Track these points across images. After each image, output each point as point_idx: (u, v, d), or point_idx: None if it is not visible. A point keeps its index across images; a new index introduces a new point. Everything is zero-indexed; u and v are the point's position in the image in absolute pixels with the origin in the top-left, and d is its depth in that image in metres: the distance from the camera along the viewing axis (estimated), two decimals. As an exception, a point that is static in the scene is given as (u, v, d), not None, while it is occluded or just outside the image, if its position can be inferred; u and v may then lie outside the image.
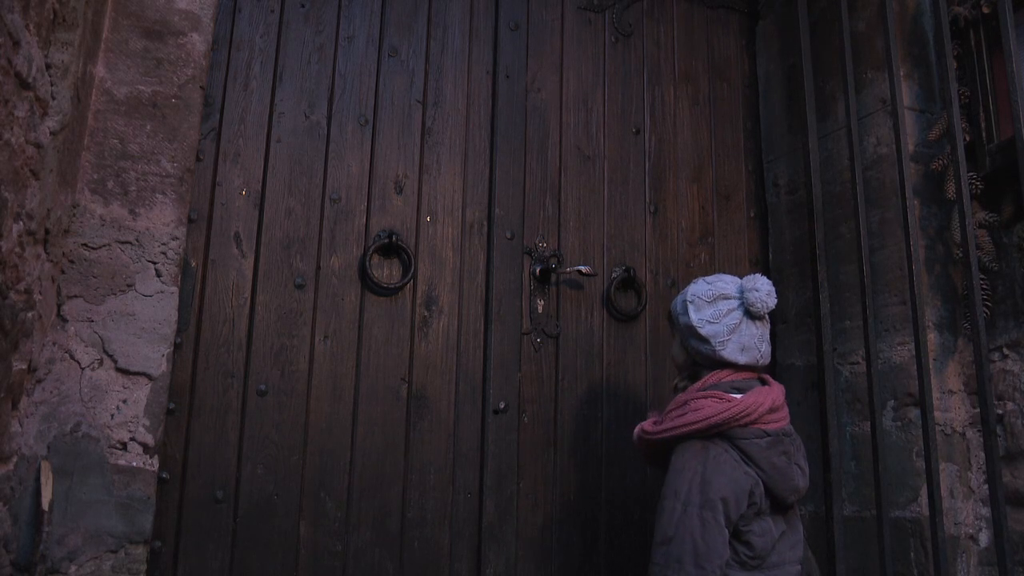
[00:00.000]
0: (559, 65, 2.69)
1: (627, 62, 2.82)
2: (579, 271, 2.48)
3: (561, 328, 2.53)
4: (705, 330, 1.97)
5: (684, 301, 2.04)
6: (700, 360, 2.01)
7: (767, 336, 2.00)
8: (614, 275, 2.62)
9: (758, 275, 2.00)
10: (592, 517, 2.43)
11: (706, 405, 1.89)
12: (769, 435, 1.86)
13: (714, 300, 1.99)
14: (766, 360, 2.00)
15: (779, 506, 1.90)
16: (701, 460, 1.84)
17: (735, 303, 1.98)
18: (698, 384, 1.97)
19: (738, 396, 1.90)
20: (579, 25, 2.77)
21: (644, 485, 2.51)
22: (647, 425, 1.99)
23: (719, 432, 1.87)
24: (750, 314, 1.96)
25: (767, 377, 2.02)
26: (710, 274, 2.20)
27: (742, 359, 1.95)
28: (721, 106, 2.95)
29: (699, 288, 2.03)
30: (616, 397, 2.57)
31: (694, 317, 1.99)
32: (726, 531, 1.78)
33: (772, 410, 1.91)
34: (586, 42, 2.76)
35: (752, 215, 2.93)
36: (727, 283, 2.01)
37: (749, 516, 1.83)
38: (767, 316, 2.00)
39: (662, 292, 2.69)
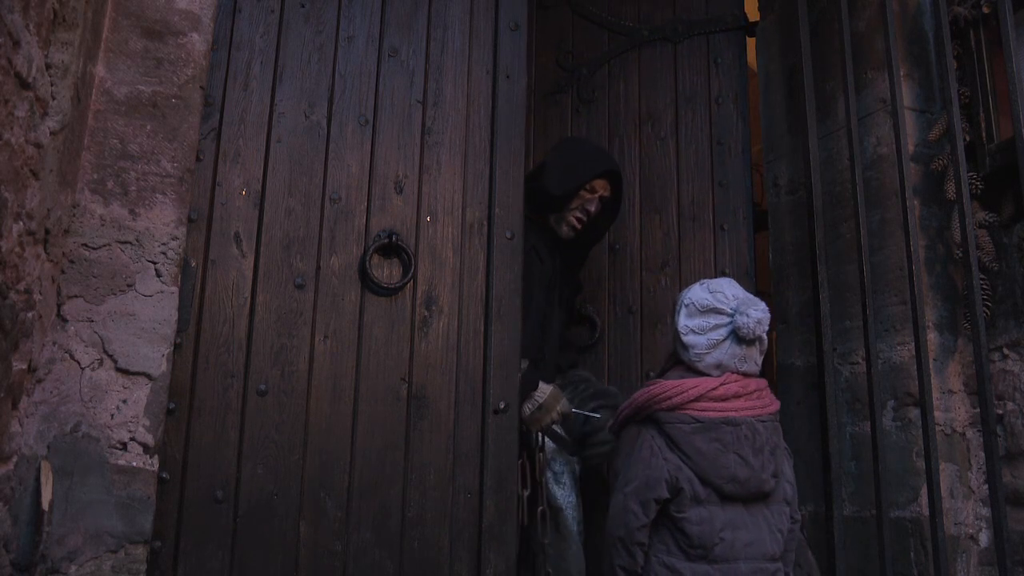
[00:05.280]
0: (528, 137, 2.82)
1: (589, 124, 3.05)
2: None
3: None
4: (687, 338, 2.00)
5: (681, 301, 2.05)
6: (679, 361, 2.04)
7: (754, 357, 2.01)
8: None
9: (756, 300, 2.01)
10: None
11: (638, 392, 2.02)
12: (699, 422, 1.92)
13: (706, 312, 2.00)
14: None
15: (726, 496, 1.91)
16: (630, 445, 1.99)
17: (725, 319, 1.98)
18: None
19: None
20: (545, 104, 3.10)
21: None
22: (610, 422, 2.17)
23: (648, 416, 1.96)
24: (737, 336, 1.97)
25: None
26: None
27: (715, 374, 1.98)
28: (687, 130, 3.03)
29: (698, 294, 2.04)
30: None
31: (681, 322, 2.02)
32: (639, 512, 1.91)
33: (710, 398, 1.94)
34: (552, 119, 3.06)
35: (723, 228, 2.94)
36: (726, 298, 2.00)
37: (683, 502, 1.88)
38: (763, 338, 2.01)
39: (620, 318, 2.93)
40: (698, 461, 1.89)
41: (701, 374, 1.98)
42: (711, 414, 1.93)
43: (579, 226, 2.68)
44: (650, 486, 1.89)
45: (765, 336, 2.00)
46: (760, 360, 2.04)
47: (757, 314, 1.96)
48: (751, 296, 2.03)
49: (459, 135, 2.48)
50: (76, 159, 1.82)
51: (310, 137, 2.30)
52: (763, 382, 2.04)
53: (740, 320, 1.95)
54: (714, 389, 1.94)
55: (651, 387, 1.98)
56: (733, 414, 1.94)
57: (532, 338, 2.51)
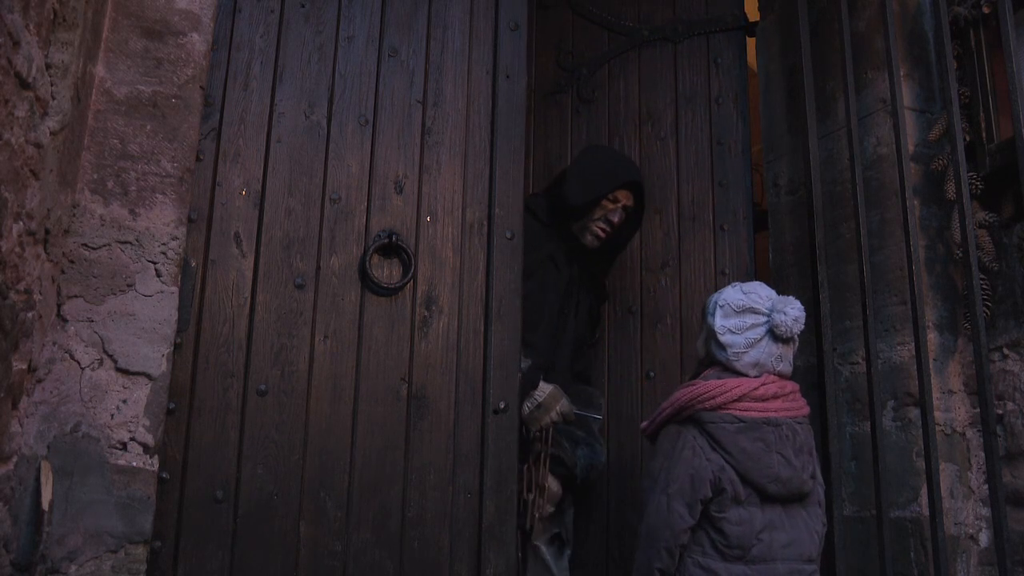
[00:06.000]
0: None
1: (589, 124, 3.07)
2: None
3: None
4: (724, 338, 2.01)
5: (715, 303, 2.07)
6: (715, 362, 2.05)
7: (789, 357, 2.03)
8: None
9: (791, 298, 2.03)
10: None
11: (678, 392, 2.00)
12: (743, 421, 1.92)
13: (742, 311, 2.02)
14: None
15: (767, 497, 1.92)
16: (671, 445, 1.96)
17: (762, 319, 2.00)
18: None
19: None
20: (545, 104, 3.14)
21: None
22: (644, 423, 2.12)
23: (690, 416, 1.95)
24: (774, 334, 1.99)
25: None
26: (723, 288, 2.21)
27: (752, 373, 1.99)
28: (687, 130, 3.05)
29: (731, 295, 2.05)
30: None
31: (718, 323, 2.03)
32: (684, 513, 1.88)
33: (752, 398, 1.94)
34: (552, 119, 3.10)
35: (723, 228, 2.94)
36: (761, 298, 2.03)
37: (724, 503, 1.88)
38: (795, 338, 2.02)
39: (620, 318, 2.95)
40: (742, 461, 1.89)
41: (738, 374, 1.99)
42: (753, 414, 1.93)
43: (603, 235, 2.66)
44: (695, 486, 1.89)
45: (798, 336, 2.02)
46: (792, 360, 2.05)
47: (794, 312, 1.98)
48: (784, 296, 2.05)
49: (459, 135, 2.48)
50: (76, 159, 1.82)
51: (310, 137, 2.30)
52: (796, 385, 2.06)
53: (778, 318, 1.97)
54: (755, 389, 1.95)
55: (692, 387, 1.98)
56: (773, 414, 1.96)
57: (544, 347, 2.51)
